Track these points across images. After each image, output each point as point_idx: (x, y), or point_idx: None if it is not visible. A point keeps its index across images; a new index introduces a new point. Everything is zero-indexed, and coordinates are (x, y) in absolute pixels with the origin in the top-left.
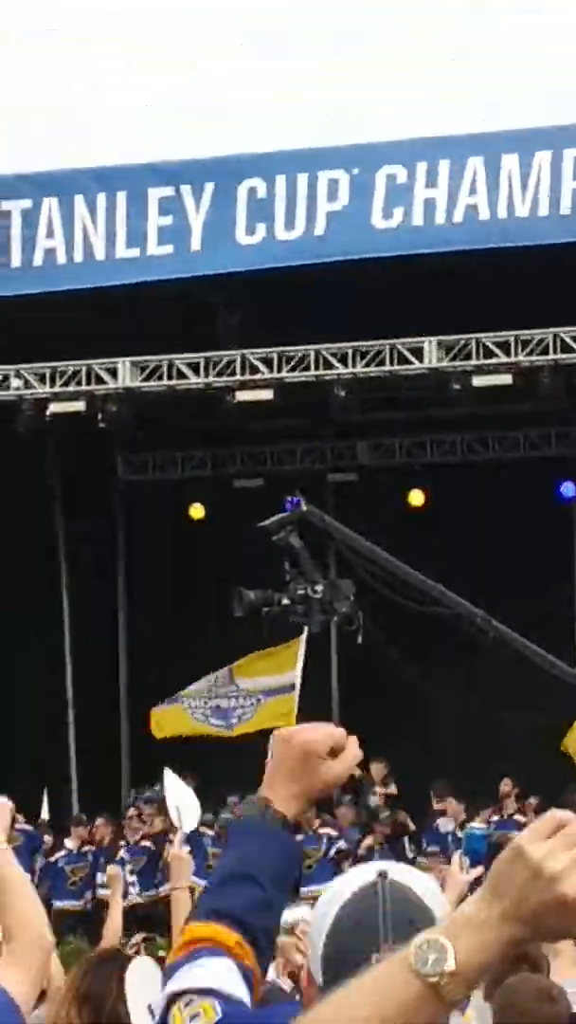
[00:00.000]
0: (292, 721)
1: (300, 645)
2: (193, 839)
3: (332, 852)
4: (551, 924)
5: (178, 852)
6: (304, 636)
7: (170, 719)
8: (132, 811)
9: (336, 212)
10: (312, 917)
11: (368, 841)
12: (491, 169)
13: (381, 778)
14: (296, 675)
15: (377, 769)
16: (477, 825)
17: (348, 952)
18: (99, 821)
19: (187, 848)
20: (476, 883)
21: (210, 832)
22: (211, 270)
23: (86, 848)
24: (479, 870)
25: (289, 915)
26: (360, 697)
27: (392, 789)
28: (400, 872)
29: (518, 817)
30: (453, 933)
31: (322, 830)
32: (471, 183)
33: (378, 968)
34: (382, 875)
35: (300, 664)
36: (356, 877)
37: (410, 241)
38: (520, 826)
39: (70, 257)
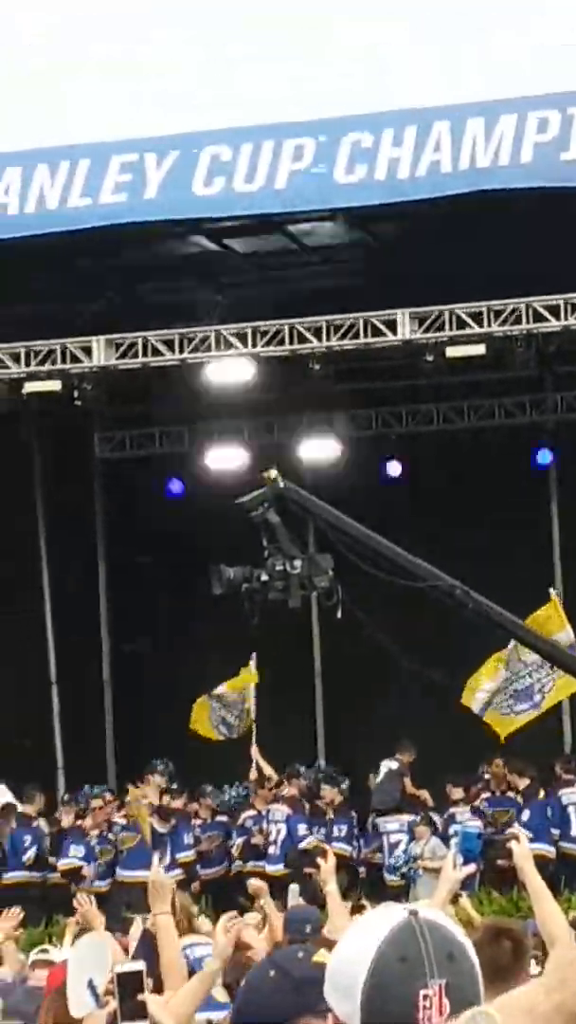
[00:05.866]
0: None
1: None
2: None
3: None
4: None
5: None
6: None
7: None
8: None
9: (299, 170)
10: (336, 961)
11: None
12: (456, 132)
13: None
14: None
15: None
16: (471, 823)
17: (392, 987)
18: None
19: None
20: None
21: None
22: (164, 215)
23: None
24: (471, 868)
25: None
26: (342, 672)
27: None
28: (424, 910)
29: (510, 794)
30: (508, 1013)
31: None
32: (436, 143)
33: None
34: (413, 913)
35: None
36: (382, 918)
37: (373, 194)
38: (513, 803)
39: (22, 208)
